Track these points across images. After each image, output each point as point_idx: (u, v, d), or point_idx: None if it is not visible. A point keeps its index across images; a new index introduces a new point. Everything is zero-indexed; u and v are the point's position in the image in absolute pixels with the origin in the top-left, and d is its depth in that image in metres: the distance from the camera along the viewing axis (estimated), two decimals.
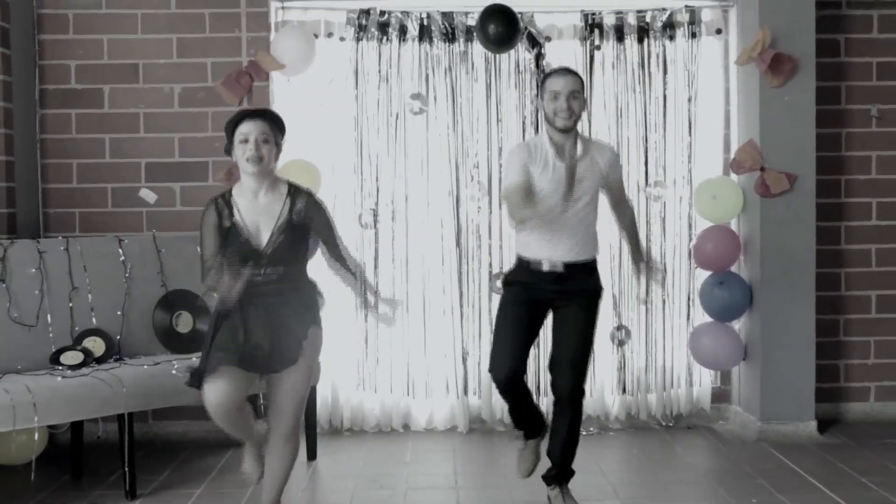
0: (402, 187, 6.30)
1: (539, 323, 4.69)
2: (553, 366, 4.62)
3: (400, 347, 6.32)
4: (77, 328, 5.41)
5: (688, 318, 6.42)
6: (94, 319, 5.45)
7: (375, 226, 6.29)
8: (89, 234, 5.90)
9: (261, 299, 4.08)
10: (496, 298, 6.10)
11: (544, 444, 4.79)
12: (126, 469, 5.02)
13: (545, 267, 4.57)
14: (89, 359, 5.25)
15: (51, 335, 5.34)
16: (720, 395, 6.55)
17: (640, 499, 4.97)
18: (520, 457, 4.89)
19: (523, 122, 6.29)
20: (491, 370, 4.62)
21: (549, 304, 4.64)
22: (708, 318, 6.32)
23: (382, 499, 5.03)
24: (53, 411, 4.74)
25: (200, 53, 6.21)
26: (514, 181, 4.52)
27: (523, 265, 4.65)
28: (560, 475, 4.72)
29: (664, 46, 6.32)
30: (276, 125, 4.19)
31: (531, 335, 4.65)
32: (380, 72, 6.26)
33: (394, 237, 6.31)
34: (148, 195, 6.21)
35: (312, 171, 6.12)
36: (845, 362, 6.54)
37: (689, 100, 6.35)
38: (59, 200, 6.19)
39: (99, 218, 6.17)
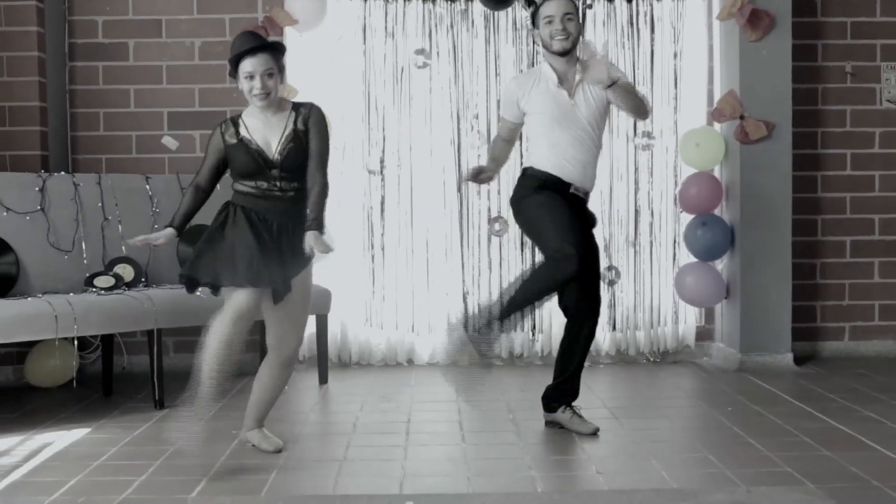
0: (407, 136, 6.85)
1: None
2: (576, 294, 4.77)
3: (405, 286, 6.87)
4: (109, 255, 5.96)
5: (674, 260, 6.98)
6: (123, 248, 6.00)
7: (382, 173, 6.83)
8: (119, 173, 6.43)
9: (280, 217, 4.35)
10: (495, 241, 6.72)
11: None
12: (154, 381, 5.54)
13: (572, 189, 4.74)
14: (120, 283, 5.80)
15: (85, 261, 5.90)
16: (704, 334, 7.11)
17: (628, 410, 5.50)
18: (469, 347, 4.91)
19: None
20: (558, 250, 4.56)
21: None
22: (692, 260, 6.85)
23: (390, 410, 5.56)
24: (91, 323, 5.28)
25: (219, 9, 6.77)
26: (499, 128, 5.00)
27: (545, 178, 4.73)
28: (571, 392, 4.94)
29: (651, 5, 6.88)
30: (277, 53, 4.38)
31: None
32: (386, 28, 6.82)
33: (399, 183, 6.87)
34: (170, 142, 6.76)
35: None
36: (821, 303, 7.10)
37: (675, 56, 6.91)
38: (88, 147, 6.75)
39: (124, 163, 6.72)
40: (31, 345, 6.06)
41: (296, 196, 4.40)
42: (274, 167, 4.35)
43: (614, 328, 6.97)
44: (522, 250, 6.89)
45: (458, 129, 6.83)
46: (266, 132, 4.38)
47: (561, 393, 5.01)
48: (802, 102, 6.86)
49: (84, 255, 5.90)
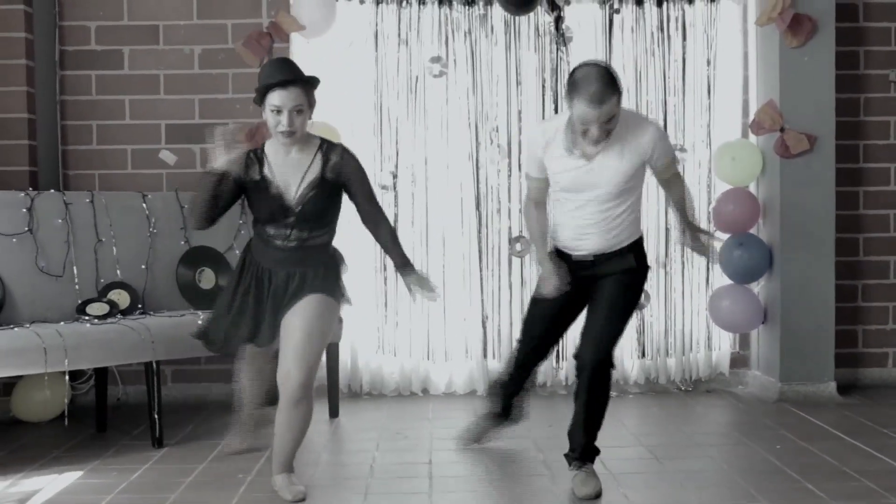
0: (422, 150, 6.52)
1: (575, 305, 4.64)
2: (581, 335, 4.51)
3: (419, 311, 6.53)
4: (102, 280, 5.63)
5: (707, 282, 6.64)
6: (118, 272, 5.66)
7: (395, 189, 6.51)
8: (114, 189, 6.10)
9: (273, 265, 4.31)
10: (516, 262, 6.39)
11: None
12: (153, 417, 5.21)
13: (574, 257, 4.51)
14: (115, 310, 5.46)
15: (77, 287, 5.55)
16: (739, 361, 6.78)
17: (667, 448, 5.16)
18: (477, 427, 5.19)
19: (543, 85, 6.52)
20: (519, 341, 4.91)
21: (585, 284, 4.54)
22: (726, 282, 6.52)
23: (408, 447, 5.23)
24: (83, 355, 4.95)
25: (220, 14, 6.45)
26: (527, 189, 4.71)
27: (556, 249, 4.61)
28: (582, 455, 4.49)
29: (683, 10, 6.55)
30: (310, 88, 4.23)
31: (563, 322, 4.76)
32: (399, 35, 6.49)
33: (413, 200, 6.53)
34: (168, 157, 6.43)
35: (332, 133, 6.31)
36: (863, 327, 6.77)
37: (708, 63, 6.59)
38: (79, 162, 6.42)
39: (119, 179, 6.40)
40: (18, 376, 5.69)
41: (307, 244, 4.32)
42: (291, 215, 4.23)
43: (643, 355, 6.64)
44: None
45: (477, 142, 6.51)
46: (287, 171, 4.25)
47: (578, 456, 4.51)
48: (844, 113, 6.54)
49: (76, 280, 5.55)
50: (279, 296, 4.30)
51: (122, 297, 5.58)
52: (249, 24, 6.43)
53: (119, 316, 5.44)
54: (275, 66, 4.22)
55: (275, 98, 4.11)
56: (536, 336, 4.80)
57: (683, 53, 6.59)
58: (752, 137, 6.51)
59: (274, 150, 4.28)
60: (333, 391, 5.94)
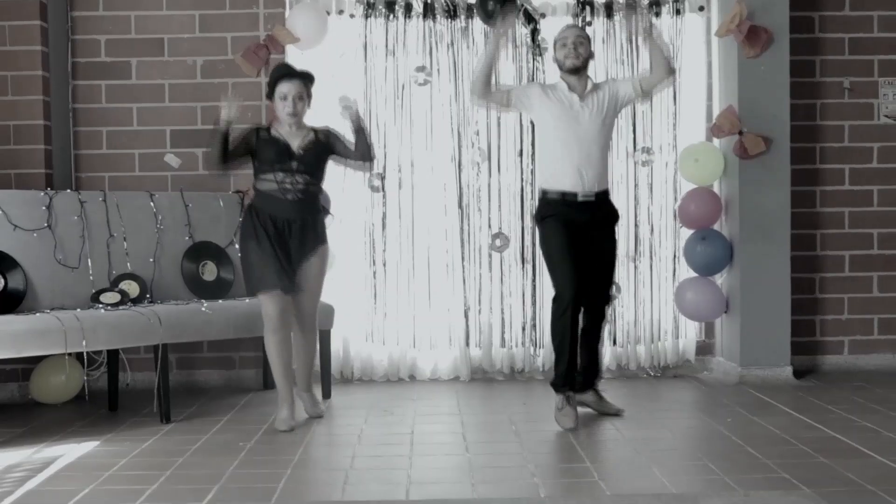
0: (408, 153, 7.11)
1: (582, 248, 5.59)
2: (593, 287, 5.67)
3: (406, 302, 7.12)
4: (114, 272, 6.23)
5: (674, 275, 7.23)
6: (128, 265, 6.27)
7: (383, 189, 7.09)
8: (123, 191, 6.68)
9: (289, 214, 5.54)
10: (496, 257, 6.97)
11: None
12: (161, 395, 5.79)
13: (580, 198, 5.58)
14: (125, 299, 6.05)
15: (91, 277, 6.16)
16: (704, 349, 7.37)
17: (630, 421, 5.73)
18: (562, 413, 5.60)
19: None
20: (559, 295, 5.55)
21: (585, 230, 5.61)
22: (691, 275, 7.11)
23: (393, 422, 5.80)
24: (99, 338, 5.53)
25: (221, 28, 7.04)
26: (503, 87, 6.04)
27: (555, 198, 5.63)
28: (595, 376, 5.87)
29: (651, 22, 7.07)
30: (309, 82, 5.70)
31: (580, 260, 5.56)
32: (387, 46, 7.08)
33: (400, 200, 7.12)
34: (173, 160, 7.02)
35: None
36: (821, 318, 7.36)
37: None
38: (91, 165, 7.00)
39: (127, 181, 6.97)
40: (36, 361, 6.30)
41: (307, 191, 5.61)
42: (294, 159, 5.54)
43: (615, 343, 7.22)
44: (523, 265, 7.14)
45: (459, 146, 7.10)
46: (289, 138, 5.63)
47: (590, 379, 5.83)
48: (801, 118, 7.13)
49: (90, 272, 6.15)
50: (299, 245, 5.58)
51: (132, 287, 6.18)
52: (248, 36, 7.03)
53: (130, 304, 6.03)
54: (281, 66, 5.77)
55: (283, 87, 5.54)
56: (570, 264, 5.54)
57: (651, 63, 7.14)
58: (715, 140, 7.10)
59: (278, 128, 5.64)
60: (326, 375, 6.53)
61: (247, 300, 6.27)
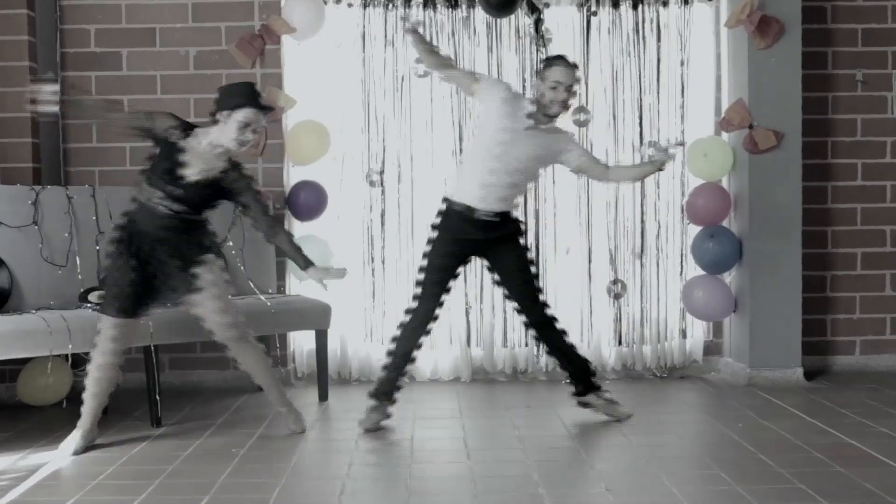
0: (408, 147, 6.96)
1: (460, 272, 5.64)
2: (523, 304, 5.60)
3: (406, 301, 6.93)
4: (103, 270, 6.03)
5: (681, 273, 7.08)
6: None
7: (382, 184, 6.94)
8: (113, 185, 6.51)
9: (161, 233, 5.01)
10: None
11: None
12: (152, 398, 5.64)
13: (481, 216, 5.43)
14: None
15: (79, 276, 6.00)
16: (712, 348, 7.21)
17: (636, 426, 5.58)
18: (367, 417, 5.59)
19: (523, 85, 6.94)
20: (414, 308, 5.55)
21: (478, 250, 5.56)
22: (698, 273, 6.96)
23: (392, 427, 5.65)
24: (87, 339, 5.35)
25: (214, 18, 6.88)
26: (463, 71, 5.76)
27: (457, 210, 5.47)
28: (591, 379, 5.72)
29: (658, 12, 6.99)
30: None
31: (450, 283, 5.58)
32: (386, 36, 6.92)
33: (399, 195, 6.97)
34: None
35: (321, 130, 6.79)
36: (832, 317, 7.21)
37: (682, 63, 7.04)
38: (80, 159, 6.84)
39: (118, 175, 6.80)
40: (23, 362, 6.14)
41: (184, 219, 5.06)
42: (178, 186, 4.96)
43: (620, 343, 7.07)
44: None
45: (460, 139, 6.94)
46: (194, 159, 4.99)
47: (589, 384, 5.73)
48: (812, 111, 6.97)
49: (78, 270, 6.00)
50: (178, 260, 5.05)
51: None
52: (242, 26, 6.86)
53: None
54: (254, 91, 5.03)
55: (249, 114, 4.93)
56: (431, 294, 5.52)
57: (658, 54, 7.02)
58: (724, 134, 6.94)
59: (199, 141, 5.00)
60: (323, 376, 6.37)
61: (242, 298, 6.10)
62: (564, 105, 5.39)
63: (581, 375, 5.70)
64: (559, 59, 5.45)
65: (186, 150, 4.97)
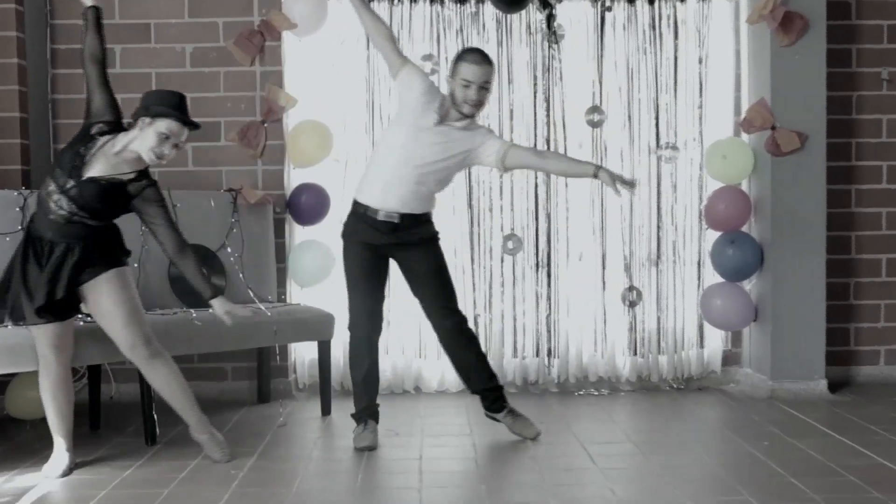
0: None
1: (385, 273, 5.32)
2: (433, 313, 5.31)
3: (411, 308, 6.68)
4: None
5: (698, 280, 6.82)
6: None
7: None
8: None
9: (59, 239, 4.64)
10: (508, 260, 6.55)
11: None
12: (147, 414, 5.38)
13: (380, 216, 5.13)
14: None
15: None
16: (731, 358, 6.96)
17: (655, 444, 5.34)
18: (359, 437, 5.32)
19: (534, 83, 6.69)
20: (352, 325, 5.29)
21: (388, 253, 5.25)
22: (717, 280, 6.70)
23: (400, 443, 5.39)
24: (77, 353, 5.09)
25: (212, 13, 6.61)
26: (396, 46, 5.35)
27: (359, 211, 5.20)
28: (498, 397, 5.43)
29: (675, 7, 6.73)
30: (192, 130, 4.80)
31: (382, 289, 5.31)
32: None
33: None
34: None
35: (323, 131, 6.53)
36: (855, 325, 6.95)
37: (700, 61, 6.77)
38: None
39: None
40: (12, 374, 5.87)
41: (82, 221, 4.65)
42: (77, 184, 4.56)
43: (635, 353, 6.81)
44: (538, 269, 6.74)
45: None
46: (107, 162, 4.65)
47: (495, 402, 5.44)
48: (836, 111, 6.72)
49: None
50: (72, 268, 4.66)
51: None
52: (241, 22, 6.60)
53: None
54: (182, 102, 4.77)
55: (172, 125, 4.65)
56: (362, 307, 5.25)
57: (675, 51, 6.77)
58: (744, 135, 6.68)
59: (115, 142, 4.68)
60: (325, 389, 6.11)
61: (245, 306, 5.83)
62: (478, 104, 5.10)
63: (486, 393, 5.45)
64: (471, 54, 5.13)
65: (97, 146, 4.65)
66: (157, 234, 4.74)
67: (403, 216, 5.14)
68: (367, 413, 5.37)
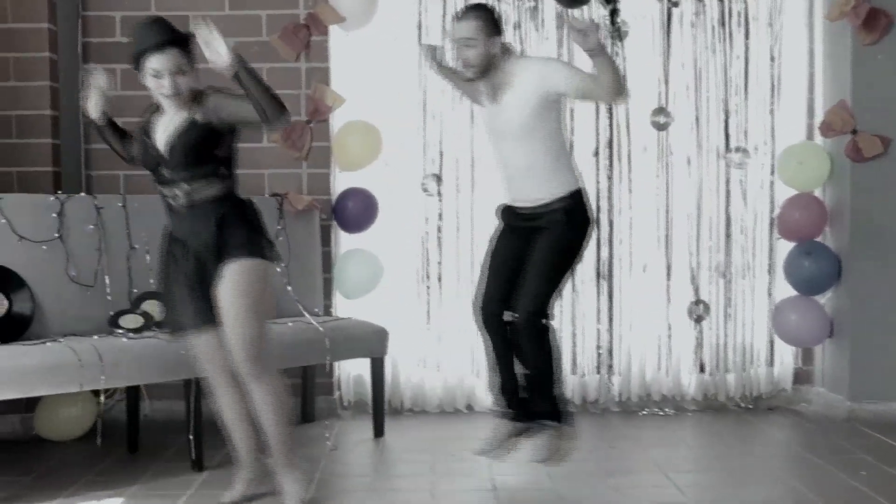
0: (468, 151, 6.37)
1: (524, 256, 4.79)
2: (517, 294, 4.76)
3: (464, 323, 6.35)
4: (135, 290, 5.44)
5: (768, 293, 6.48)
6: (151, 282, 5.43)
7: (439, 192, 6.35)
8: (139, 191, 5.90)
9: (182, 233, 4.23)
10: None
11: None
12: (192, 438, 5.03)
13: (516, 209, 4.87)
14: (150, 322, 5.28)
15: (109, 297, 5.37)
16: (802, 376, 6.61)
17: (739, 471, 5.00)
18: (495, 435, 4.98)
19: None
20: (473, 307, 4.94)
21: (528, 235, 4.79)
22: (789, 293, 6.37)
23: (466, 471, 5.04)
24: (121, 373, 4.77)
25: (254, 5, 6.28)
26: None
27: (501, 206, 4.99)
28: (550, 415, 4.86)
29: (745, 3, 6.40)
30: (186, 48, 4.15)
31: (514, 272, 4.78)
32: (444, 27, 6.31)
33: (458, 205, 6.39)
34: None
35: (372, 132, 6.20)
36: None
37: (772, 60, 6.43)
38: (104, 162, 6.21)
39: (144, 181, 6.11)
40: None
41: (193, 201, 4.18)
42: (161, 164, 4.21)
43: (702, 370, 6.46)
44: (598, 281, 6.40)
45: None
46: (161, 130, 4.26)
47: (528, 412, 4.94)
48: None
49: (107, 291, 5.37)
50: (201, 267, 4.22)
51: (155, 309, 5.37)
52: (285, 14, 6.27)
53: (155, 329, 5.25)
54: (147, 29, 4.13)
55: (153, 62, 4.08)
56: (489, 273, 4.90)
57: (746, 49, 6.43)
58: (818, 139, 6.34)
59: (160, 113, 4.29)
60: (379, 410, 5.77)
61: (289, 322, 5.50)
62: (469, 64, 4.66)
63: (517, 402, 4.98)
64: (461, 12, 4.77)
65: (149, 127, 4.30)
66: (248, 118, 4.07)
67: (538, 205, 4.82)
68: (509, 402, 5.05)
